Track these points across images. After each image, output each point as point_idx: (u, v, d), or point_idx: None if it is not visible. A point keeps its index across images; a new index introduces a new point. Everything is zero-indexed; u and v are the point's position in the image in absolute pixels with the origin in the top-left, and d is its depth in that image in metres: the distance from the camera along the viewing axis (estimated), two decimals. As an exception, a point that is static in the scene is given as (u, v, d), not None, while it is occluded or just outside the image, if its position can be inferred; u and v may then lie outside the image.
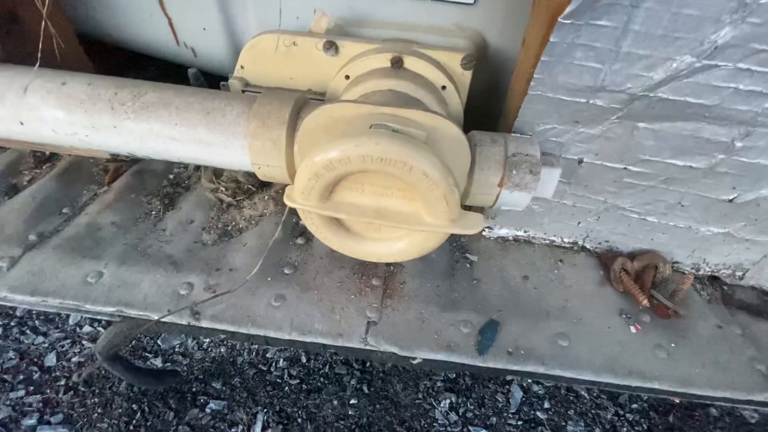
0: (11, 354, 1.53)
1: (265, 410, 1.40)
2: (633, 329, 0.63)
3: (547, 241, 0.73)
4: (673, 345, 0.62)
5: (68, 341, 1.56)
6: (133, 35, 0.75)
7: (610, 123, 0.53)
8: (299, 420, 1.39)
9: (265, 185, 0.83)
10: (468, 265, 0.71)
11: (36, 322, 1.61)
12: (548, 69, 0.49)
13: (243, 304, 0.61)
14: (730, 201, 0.59)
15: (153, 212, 0.77)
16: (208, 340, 1.54)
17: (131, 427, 1.36)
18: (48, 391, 1.43)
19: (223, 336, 0.60)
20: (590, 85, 0.50)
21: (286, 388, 1.45)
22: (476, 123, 0.65)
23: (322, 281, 0.65)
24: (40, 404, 1.42)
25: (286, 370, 1.50)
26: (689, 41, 0.44)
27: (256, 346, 1.55)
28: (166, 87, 0.58)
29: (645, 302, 0.65)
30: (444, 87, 0.60)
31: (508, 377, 1.56)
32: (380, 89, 0.57)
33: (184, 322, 0.60)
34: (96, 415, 1.39)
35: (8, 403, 1.41)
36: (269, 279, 0.65)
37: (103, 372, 1.48)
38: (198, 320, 0.59)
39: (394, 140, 0.43)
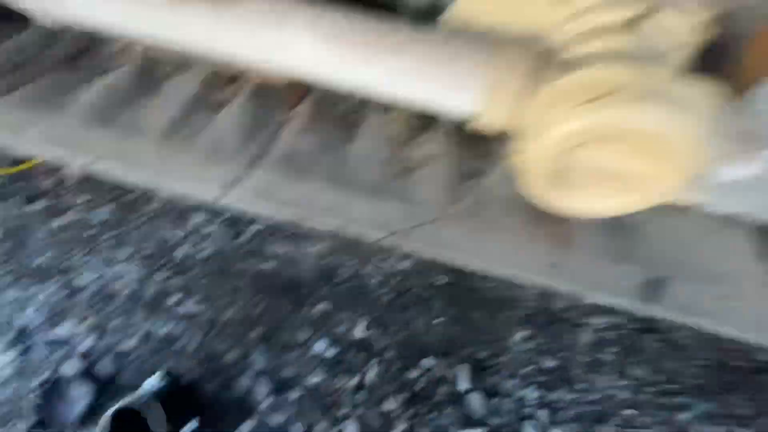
0: (151, 243, 1.77)
1: (365, 316, 1.62)
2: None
3: (712, 210, 0.76)
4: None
5: (196, 236, 1.78)
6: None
7: None
8: (393, 328, 1.60)
9: (432, 123, 0.88)
10: (636, 225, 0.77)
11: (167, 218, 1.82)
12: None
13: (439, 233, 0.71)
14: None
15: (339, 140, 0.86)
16: (315, 248, 1.70)
17: (257, 312, 1.59)
18: (185, 276, 1.68)
19: (422, 256, 0.71)
20: None
21: (383, 301, 1.65)
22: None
23: (505, 222, 0.74)
24: (182, 285, 1.68)
25: (380, 288, 1.68)
26: None
27: (356, 261, 1.71)
28: (413, 30, 0.61)
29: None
30: (677, 50, 0.60)
31: (577, 318, 1.66)
32: (616, 48, 0.58)
33: (392, 243, 0.71)
34: (226, 301, 1.64)
35: (155, 282, 1.68)
36: (457, 213, 0.74)
37: (226, 267, 1.71)
38: (404, 242, 0.70)
39: (667, 110, 0.47)
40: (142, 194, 1.88)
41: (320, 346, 1.53)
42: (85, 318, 1.54)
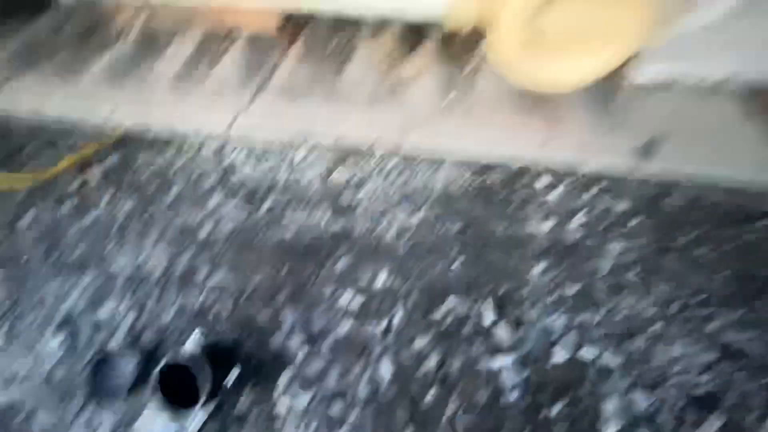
0: (176, 223, 1.85)
1: (385, 267, 1.67)
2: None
3: (695, 79, 0.78)
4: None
5: (216, 215, 1.86)
6: None
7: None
8: (415, 275, 1.65)
9: (414, 48, 0.92)
10: (623, 100, 0.80)
11: (187, 202, 1.89)
12: None
13: (435, 132, 0.76)
14: None
15: (333, 69, 0.91)
16: (327, 217, 1.77)
17: (282, 275, 1.67)
18: (211, 251, 1.77)
19: (423, 156, 0.76)
20: None
21: (400, 250, 1.70)
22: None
23: (493, 118, 0.78)
24: (209, 261, 1.77)
25: (396, 240, 1.73)
26: None
27: (372, 224, 1.76)
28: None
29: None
30: None
31: (595, 243, 1.66)
32: None
33: (391, 147, 0.75)
34: (251, 270, 1.72)
35: (182, 262, 1.77)
36: (448, 116, 0.78)
37: (250, 241, 1.79)
38: (400, 147, 0.75)
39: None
40: (161, 184, 1.97)
41: (346, 298, 1.59)
42: (123, 299, 1.64)
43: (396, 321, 1.54)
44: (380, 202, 1.75)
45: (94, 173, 1.90)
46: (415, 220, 1.76)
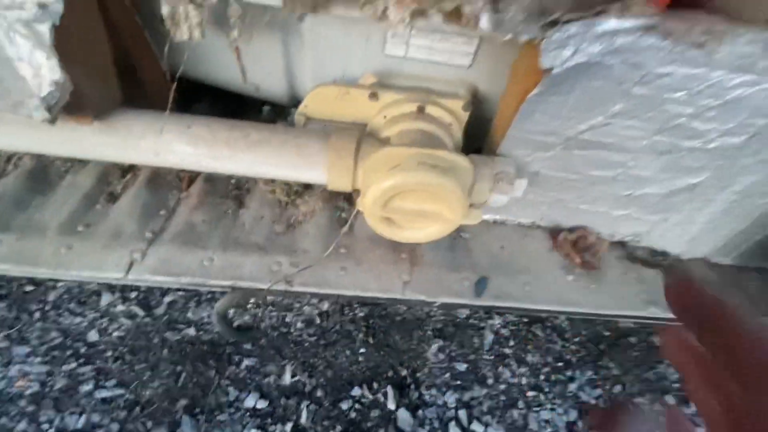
0: (54, 333, 1.71)
1: (292, 362, 1.71)
2: (570, 278, 0.99)
3: (515, 222, 1.06)
4: (593, 286, 0.99)
5: (105, 319, 1.76)
6: (208, 75, 0.97)
7: (556, 150, 0.86)
8: (320, 368, 1.72)
9: (308, 187, 1.09)
10: (463, 241, 1.04)
11: (71, 305, 1.78)
12: (521, 122, 0.79)
13: (320, 274, 0.90)
14: (628, 195, 0.94)
15: (229, 211, 1.02)
16: (232, 310, 1.80)
17: (179, 384, 1.62)
18: (97, 361, 1.65)
19: (309, 296, 0.89)
20: (544, 130, 0.81)
21: (306, 344, 1.76)
22: (473, 144, 0.96)
23: (368, 256, 0.95)
24: (93, 373, 1.64)
25: (304, 330, 1.80)
26: (599, 110, 0.76)
27: (276, 313, 1.83)
28: (264, 128, 0.82)
29: (578, 261, 1.01)
30: (451, 124, 0.89)
31: (479, 322, 1.95)
32: (411, 129, 0.86)
33: (282, 288, 0.88)
34: (146, 377, 1.63)
35: (63, 374, 1.62)
36: (333, 257, 0.94)
37: (144, 343, 1.71)
38: (292, 286, 0.88)
39: (434, 173, 0.72)
40: (40, 285, 1.81)
41: (250, 401, 1.58)
42: (-17, 429, 1.42)
43: (303, 419, 1.57)
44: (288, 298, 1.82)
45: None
46: (321, 308, 1.85)
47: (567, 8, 0.64)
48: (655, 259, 1.08)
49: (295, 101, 1.01)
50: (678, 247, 1.06)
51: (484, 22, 0.66)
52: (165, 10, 0.71)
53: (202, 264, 0.89)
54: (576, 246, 1.03)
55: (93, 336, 1.71)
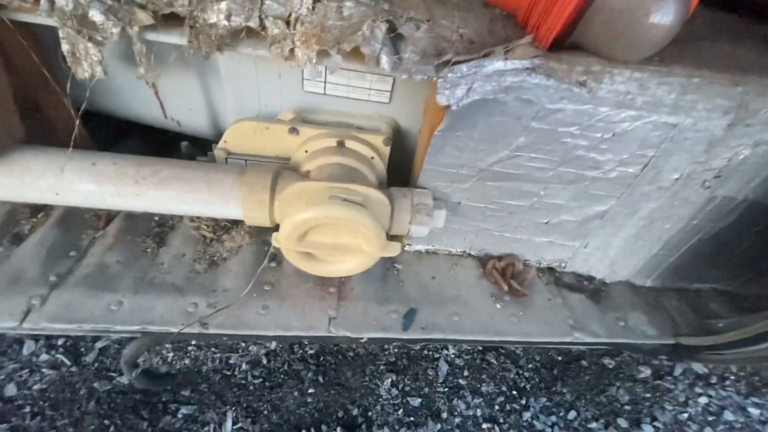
0: None
1: (234, 408, 1.61)
2: (498, 306, 1.00)
3: (447, 252, 1.08)
4: (521, 313, 1.00)
5: (26, 371, 1.60)
6: (128, 111, 0.95)
7: (472, 182, 0.88)
8: (265, 412, 1.62)
9: (237, 222, 1.06)
10: (396, 272, 1.03)
11: None
12: (433, 155, 0.82)
13: (238, 314, 0.86)
14: (546, 223, 0.98)
15: (149, 249, 0.98)
16: (171, 354, 1.69)
17: None
18: (13, 419, 1.49)
19: (225, 338, 0.84)
20: (456, 163, 0.84)
21: (251, 387, 1.66)
22: (398, 176, 0.97)
23: (293, 292, 0.92)
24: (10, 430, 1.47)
25: (249, 372, 1.71)
26: (504, 144, 0.80)
27: (219, 354, 1.74)
28: (176, 164, 0.81)
29: (506, 288, 1.02)
30: (372, 158, 0.91)
31: (433, 353, 1.92)
32: (330, 163, 0.86)
33: (195, 332, 0.83)
34: (68, 435, 1.47)
35: (-31, 436, 1.44)
36: (254, 295, 0.91)
37: (68, 395, 1.57)
38: (207, 329, 0.83)
39: (345, 206, 0.72)
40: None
41: (185, 455, 1.46)
42: None
43: (243, 471, 1.45)
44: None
45: None
46: (269, 347, 1.77)
47: (459, 50, 0.68)
48: (581, 284, 1.12)
49: (220, 136, 1.00)
50: (601, 271, 1.11)
51: (384, 62, 0.69)
52: (65, 48, 0.69)
53: (109, 308, 0.83)
54: (504, 273, 1.05)
55: (11, 390, 1.54)
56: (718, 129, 0.77)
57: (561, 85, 0.70)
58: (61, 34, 0.67)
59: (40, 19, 0.68)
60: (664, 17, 0.60)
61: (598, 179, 0.87)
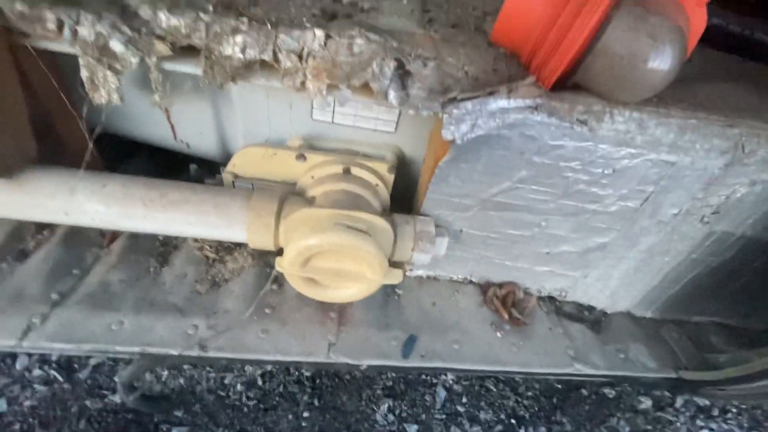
0: None
1: (226, 430, 1.57)
2: (498, 334, 1.00)
3: (448, 278, 1.08)
4: (521, 342, 1.00)
5: (17, 386, 1.58)
6: (138, 133, 0.98)
7: (474, 211, 0.90)
8: (258, 435, 1.58)
9: (240, 243, 1.07)
10: (396, 297, 1.03)
11: None
12: (437, 185, 0.83)
13: (238, 337, 0.86)
14: (547, 253, 0.99)
15: (152, 269, 0.98)
16: (166, 372, 1.66)
17: None
18: (0, 437, 1.45)
19: (224, 362, 0.84)
20: (459, 193, 0.86)
21: (245, 408, 1.64)
22: (401, 203, 0.99)
23: (294, 316, 0.93)
24: (-7, 451, 1.44)
25: (243, 393, 1.68)
26: (507, 176, 0.82)
27: (214, 374, 1.71)
28: (184, 186, 0.82)
29: (506, 317, 1.02)
30: (377, 185, 0.92)
31: (431, 378, 1.90)
32: (336, 189, 0.88)
33: (195, 354, 0.83)
34: (55, 455, 1.44)
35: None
36: (255, 318, 0.91)
37: (59, 413, 1.54)
38: (206, 352, 0.83)
39: (349, 233, 0.74)
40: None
41: (175, 480, 1.42)
42: None
43: (233, 498, 1.41)
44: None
45: None
46: (265, 368, 1.75)
47: (464, 88, 0.71)
48: (581, 313, 1.12)
49: (228, 158, 1.02)
50: (601, 301, 1.11)
51: (392, 98, 0.71)
52: (84, 74, 0.72)
53: (109, 328, 0.83)
54: (505, 302, 1.05)
55: (1, 406, 1.52)
56: (716, 168, 0.79)
57: (563, 123, 0.72)
58: (81, 61, 0.70)
59: (62, 47, 0.70)
60: (663, 63, 0.63)
61: (599, 212, 0.89)
